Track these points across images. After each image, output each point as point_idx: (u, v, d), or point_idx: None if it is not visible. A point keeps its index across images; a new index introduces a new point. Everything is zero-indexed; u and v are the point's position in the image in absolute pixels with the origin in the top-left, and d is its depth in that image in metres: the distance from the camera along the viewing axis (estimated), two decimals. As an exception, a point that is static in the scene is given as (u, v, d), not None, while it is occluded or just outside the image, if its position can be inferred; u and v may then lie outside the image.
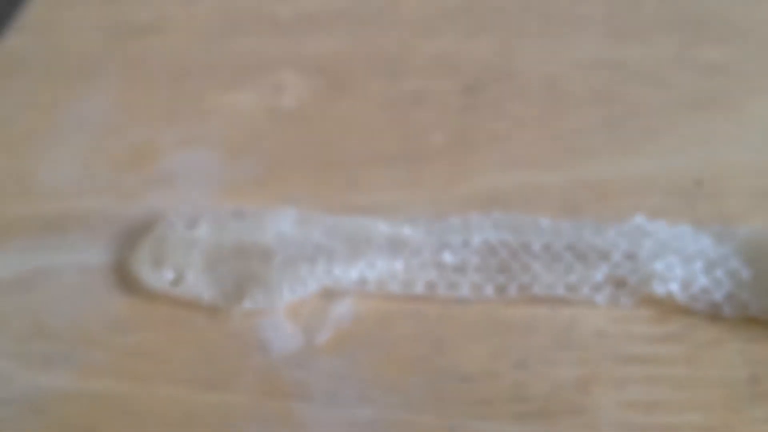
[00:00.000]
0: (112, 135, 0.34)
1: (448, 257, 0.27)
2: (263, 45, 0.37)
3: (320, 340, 0.27)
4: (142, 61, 0.37)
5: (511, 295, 0.27)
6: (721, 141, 0.31)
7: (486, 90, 0.34)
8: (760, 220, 0.28)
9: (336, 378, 0.26)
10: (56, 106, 0.35)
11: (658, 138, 0.32)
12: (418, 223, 0.28)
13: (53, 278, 0.29)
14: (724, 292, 0.26)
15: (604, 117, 0.33)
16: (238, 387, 0.26)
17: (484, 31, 0.37)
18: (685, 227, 0.27)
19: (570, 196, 0.30)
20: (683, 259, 0.26)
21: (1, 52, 0.38)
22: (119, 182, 0.32)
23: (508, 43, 0.36)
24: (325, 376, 0.26)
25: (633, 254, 0.27)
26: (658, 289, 0.26)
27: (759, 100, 0.32)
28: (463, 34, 0.37)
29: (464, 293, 0.27)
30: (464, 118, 0.33)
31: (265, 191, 0.31)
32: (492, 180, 0.31)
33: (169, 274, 0.28)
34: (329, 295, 0.28)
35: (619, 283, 0.27)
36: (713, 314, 0.26)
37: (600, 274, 0.27)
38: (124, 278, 0.29)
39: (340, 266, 0.27)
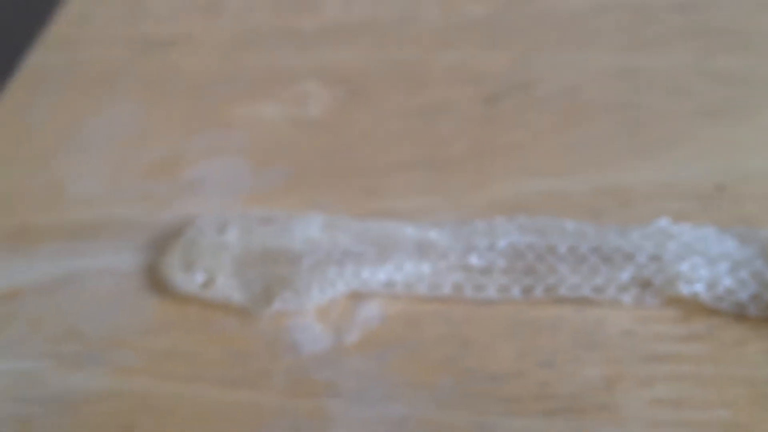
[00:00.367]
0: (139, 145, 0.34)
1: (474, 260, 0.28)
2: (286, 57, 0.38)
3: (349, 340, 0.27)
4: (167, 73, 0.38)
5: (538, 296, 0.27)
6: (740, 148, 0.32)
7: (506, 100, 0.35)
8: (781, 224, 0.28)
9: (365, 377, 0.26)
10: (83, 119, 0.36)
11: (678, 145, 0.32)
12: (444, 227, 0.29)
13: (85, 282, 0.29)
14: (749, 292, 0.26)
15: (624, 125, 0.33)
16: (268, 386, 0.26)
17: (504, 42, 0.37)
18: (709, 229, 0.28)
19: (592, 203, 0.30)
20: (708, 261, 0.27)
21: (29, 68, 0.39)
22: (147, 191, 0.32)
23: (527, 53, 0.36)
24: (354, 375, 0.26)
25: (658, 256, 0.27)
26: (684, 289, 0.26)
27: (777, 108, 0.33)
28: (483, 45, 0.37)
29: (491, 294, 0.27)
30: (485, 127, 0.34)
31: (292, 198, 0.32)
32: (514, 187, 0.31)
33: (199, 278, 0.28)
34: (358, 297, 0.28)
35: (645, 284, 0.27)
36: (738, 314, 0.26)
37: (626, 275, 0.27)
38: (155, 282, 0.29)
39: (369, 269, 0.28)
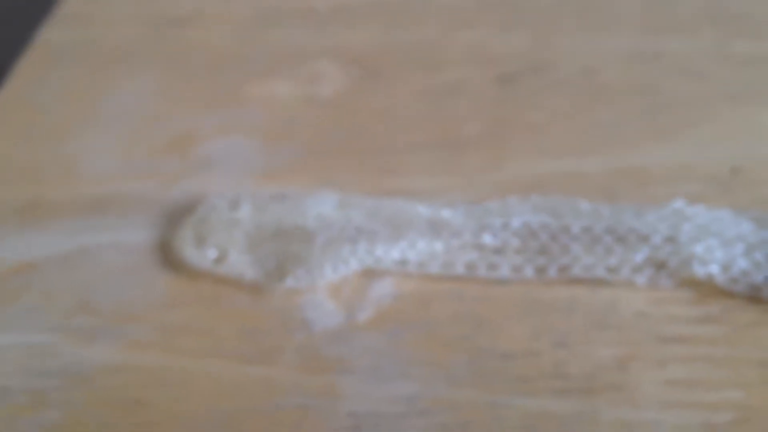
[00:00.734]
0: (151, 123, 0.34)
1: (488, 239, 0.28)
2: (300, 36, 0.38)
3: (361, 318, 0.27)
4: (180, 51, 0.37)
5: (551, 276, 0.27)
6: (757, 131, 0.32)
7: (522, 81, 0.34)
8: (798, 208, 0.28)
9: (377, 354, 0.26)
10: (96, 96, 0.36)
11: (695, 128, 0.32)
12: (458, 206, 0.29)
13: (97, 257, 0.29)
14: (763, 274, 0.26)
15: (640, 107, 0.33)
16: (280, 362, 0.26)
17: (520, 22, 0.37)
18: (724, 212, 0.28)
19: (607, 184, 0.30)
20: (723, 242, 0.27)
21: (42, 44, 0.38)
22: (160, 167, 0.32)
23: (544, 35, 0.36)
24: (366, 351, 0.26)
25: (673, 237, 0.27)
26: (698, 271, 0.26)
27: (796, 92, 0.33)
28: (499, 26, 0.37)
29: (504, 274, 0.27)
30: (500, 108, 0.34)
31: (304, 176, 0.31)
32: (528, 168, 0.31)
33: (212, 253, 0.28)
34: (370, 274, 0.28)
35: (659, 266, 0.27)
36: (753, 296, 0.26)
37: (640, 256, 0.27)
38: (167, 257, 0.29)
39: (382, 247, 0.28)
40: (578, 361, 0.25)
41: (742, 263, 0.26)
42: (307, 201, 0.29)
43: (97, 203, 0.31)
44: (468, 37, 0.37)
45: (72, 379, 0.26)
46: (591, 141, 0.32)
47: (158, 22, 0.39)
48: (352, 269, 0.28)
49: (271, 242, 0.28)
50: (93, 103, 0.35)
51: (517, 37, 0.36)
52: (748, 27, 0.36)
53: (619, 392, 0.25)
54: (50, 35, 0.39)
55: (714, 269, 0.26)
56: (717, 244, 0.27)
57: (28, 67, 0.37)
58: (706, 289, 0.27)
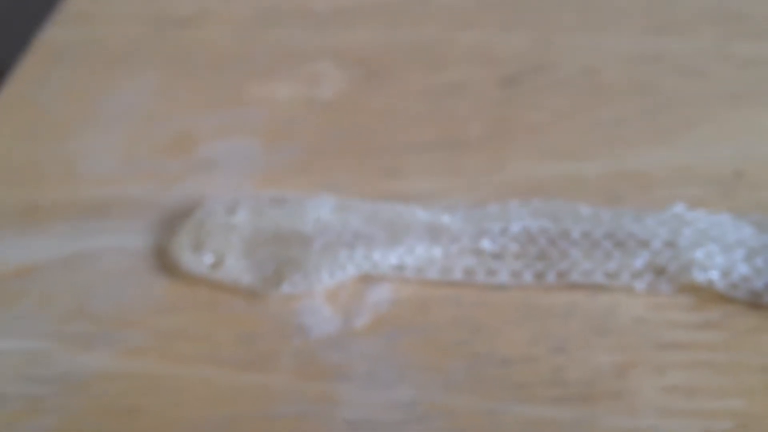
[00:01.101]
0: (152, 123, 0.34)
1: (486, 244, 0.28)
2: (301, 37, 0.37)
3: (359, 323, 0.27)
4: (182, 52, 0.37)
5: (550, 281, 0.27)
6: (760, 134, 0.31)
7: (524, 82, 0.34)
8: (800, 211, 0.28)
9: (375, 360, 0.26)
10: (96, 96, 0.36)
11: (697, 129, 0.32)
12: (457, 211, 0.29)
13: (94, 261, 0.29)
14: (764, 280, 0.26)
15: (642, 108, 0.33)
16: (277, 368, 0.26)
17: (522, 23, 0.37)
18: (725, 216, 0.27)
19: (609, 187, 0.30)
20: (723, 248, 0.26)
21: (44, 43, 0.38)
22: (160, 169, 0.32)
23: (545, 35, 0.36)
24: (363, 358, 0.26)
25: (673, 242, 0.27)
26: (698, 276, 0.26)
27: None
28: (501, 26, 0.37)
29: (503, 280, 0.27)
30: (502, 109, 0.33)
31: (304, 179, 0.31)
32: (530, 169, 0.31)
33: (208, 258, 0.28)
34: (368, 280, 0.28)
35: (659, 271, 0.26)
36: (753, 302, 0.26)
37: (640, 261, 0.26)
38: (165, 262, 0.29)
39: (379, 252, 0.27)
40: (577, 367, 0.25)
41: (742, 269, 0.26)
42: (305, 205, 0.29)
43: (97, 205, 0.31)
44: (469, 37, 0.36)
45: (68, 385, 0.26)
46: (592, 142, 0.31)
47: (160, 22, 0.39)
48: (350, 274, 0.27)
49: (268, 247, 0.28)
50: (94, 103, 0.35)
51: (518, 37, 0.36)
52: (749, 27, 0.35)
53: (618, 399, 0.24)
54: (52, 34, 0.39)
55: (714, 275, 0.26)
56: (717, 249, 0.26)
57: (29, 66, 0.37)
58: (706, 294, 0.26)
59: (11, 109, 0.35)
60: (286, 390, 0.25)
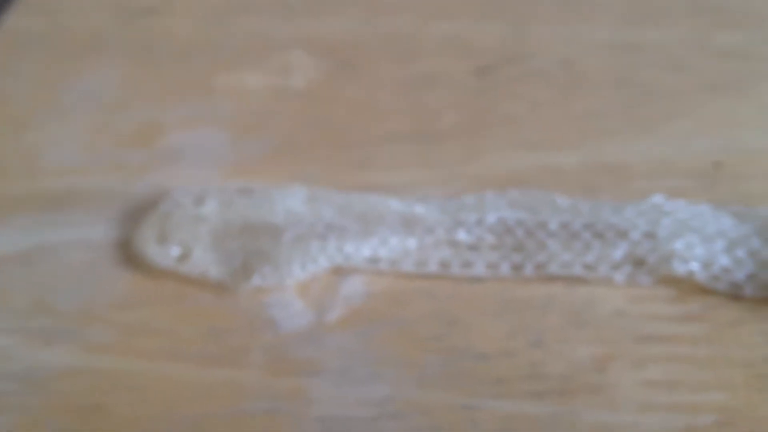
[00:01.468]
0: (117, 113, 0.33)
1: (462, 235, 0.27)
2: (272, 25, 0.36)
3: (331, 317, 0.26)
4: (149, 40, 0.36)
5: (527, 274, 0.26)
6: (739, 124, 0.31)
7: (499, 72, 0.34)
8: (780, 202, 0.28)
9: (347, 355, 0.25)
10: (60, 85, 0.35)
11: (675, 121, 0.31)
12: (431, 202, 0.28)
13: (56, 254, 0.28)
14: (745, 271, 0.25)
15: (621, 99, 0.32)
16: (246, 364, 0.25)
17: (498, 13, 0.36)
18: (704, 207, 0.27)
19: (586, 178, 0.29)
20: (703, 239, 0.26)
21: (6, 31, 0.37)
22: (124, 160, 0.31)
23: (522, 25, 0.35)
24: (336, 353, 0.25)
25: (652, 233, 0.26)
26: (678, 268, 0.25)
27: (777, 84, 0.32)
28: (476, 17, 0.36)
29: (479, 271, 0.26)
30: (477, 99, 0.33)
31: (274, 170, 0.30)
32: (506, 161, 0.30)
33: (175, 251, 0.27)
34: (340, 272, 0.27)
35: (638, 263, 0.26)
36: (734, 294, 0.25)
37: (619, 253, 0.26)
38: (129, 255, 0.28)
39: (352, 244, 0.27)
40: (555, 361, 0.24)
41: (723, 260, 0.25)
42: (275, 196, 0.28)
43: (58, 198, 0.30)
44: (444, 27, 0.36)
45: (28, 383, 0.25)
46: (570, 133, 0.31)
47: (125, 11, 0.38)
48: (322, 267, 0.27)
49: (237, 239, 0.27)
50: (56, 93, 0.34)
51: (493, 27, 0.35)
52: (726, 18, 0.35)
53: (597, 394, 0.24)
54: (14, 23, 0.38)
55: (694, 266, 0.25)
56: (697, 240, 0.26)
57: (-10, 55, 0.36)
58: (686, 286, 0.26)
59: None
60: (256, 386, 0.25)
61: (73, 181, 0.30)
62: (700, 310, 0.25)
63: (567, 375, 0.24)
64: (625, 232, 0.26)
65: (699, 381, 0.24)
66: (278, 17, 0.37)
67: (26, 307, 0.27)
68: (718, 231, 0.26)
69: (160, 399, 0.24)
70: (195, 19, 0.37)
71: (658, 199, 0.27)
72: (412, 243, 0.27)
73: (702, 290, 0.26)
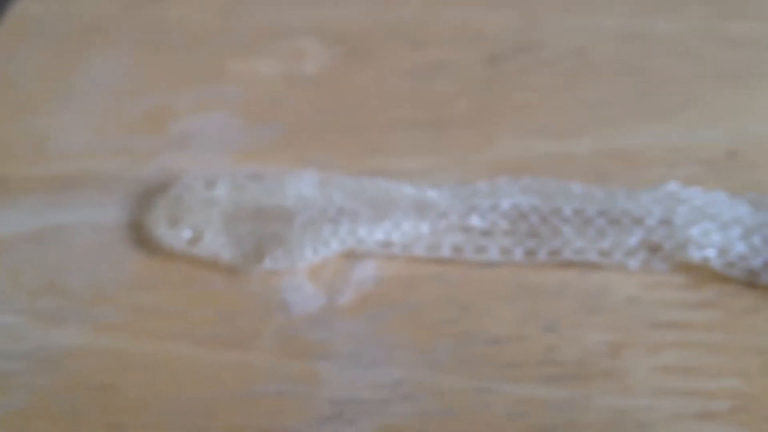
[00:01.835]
0: (127, 99, 0.33)
1: (475, 221, 0.27)
2: (283, 12, 0.36)
3: (342, 301, 0.26)
4: (159, 26, 0.36)
5: (541, 259, 0.26)
6: (752, 113, 0.31)
7: (510, 60, 0.33)
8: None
9: (359, 339, 0.25)
10: (70, 71, 0.34)
11: (688, 109, 0.31)
12: (444, 187, 0.28)
13: (66, 235, 0.28)
14: (761, 259, 0.25)
15: (632, 88, 0.32)
16: (257, 346, 0.25)
17: (510, 1, 0.36)
18: (720, 194, 0.27)
19: (598, 165, 0.29)
20: (720, 226, 0.26)
21: (15, 17, 0.37)
22: (134, 144, 0.31)
23: (532, 14, 0.35)
24: (347, 336, 0.25)
25: (668, 220, 0.26)
26: (694, 255, 0.25)
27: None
28: (488, 5, 0.36)
29: (492, 257, 0.26)
30: (488, 87, 0.32)
31: (285, 155, 0.30)
32: (518, 148, 0.30)
33: (186, 234, 0.27)
34: (352, 257, 0.27)
35: (654, 249, 0.26)
36: (750, 282, 0.25)
37: (634, 239, 0.26)
38: (140, 237, 0.28)
39: (365, 228, 0.26)
40: (569, 346, 0.24)
41: (739, 247, 0.25)
42: (287, 180, 0.28)
43: (69, 180, 0.30)
44: (456, 15, 0.35)
45: (38, 362, 0.25)
46: (582, 121, 0.31)
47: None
48: (334, 251, 0.26)
49: (248, 222, 0.27)
50: (66, 79, 0.34)
51: (504, 16, 0.35)
52: (738, 7, 0.35)
53: (611, 379, 0.24)
54: (24, 8, 0.37)
55: (710, 253, 0.25)
56: (713, 227, 0.26)
57: (1, 40, 0.36)
58: (700, 273, 0.26)
59: (-19, 84, 0.34)
60: (267, 368, 0.24)
61: (84, 165, 0.30)
62: (715, 297, 0.25)
63: (581, 360, 0.24)
64: (640, 218, 0.26)
65: (714, 367, 0.24)
66: (290, 4, 0.36)
67: (36, 287, 0.27)
68: (735, 218, 0.26)
69: (170, 380, 0.24)
70: (206, 5, 0.37)
71: (673, 186, 0.27)
72: (424, 227, 0.27)
73: (717, 277, 0.25)
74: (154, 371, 0.25)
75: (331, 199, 0.27)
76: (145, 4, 0.37)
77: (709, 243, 0.25)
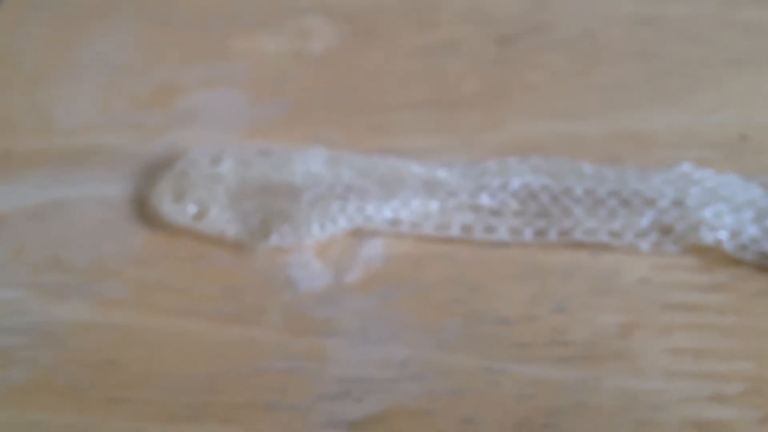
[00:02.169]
0: (132, 74, 0.33)
1: (485, 199, 0.26)
2: (290, -10, 0.36)
3: (350, 279, 0.25)
4: (166, 2, 0.36)
5: (551, 240, 0.26)
6: (761, 98, 0.30)
7: (520, 42, 0.33)
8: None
9: (366, 317, 0.25)
10: (75, 46, 0.34)
11: (699, 93, 0.30)
12: (454, 166, 0.27)
13: (70, 210, 0.28)
14: (774, 242, 0.25)
15: (643, 71, 0.31)
16: (264, 322, 0.25)
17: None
18: (733, 176, 0.26)
19: (609, 147, 0.29)
20: (732, 208, 0.25)
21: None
22: (139, 120, 0.31)
23: (543, -5, 0.35)
24: (355, 314, 0.25)
25: (680, 201, 0.26)
26: (706, 237, 0.25)
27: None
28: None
29: (502, 236, 0.26)
30: (498, 68, 0.32)
31: (292, 133, 0.30)
32: (528, 128, 0.30)
33: (191, 209, 0.27)
34: (360, 235, 0.26)
35: (665, 231, 0.25)
36: (762, 265, 0.25)
37: (645, 220, 0.25)
38: (145, 212, 0.27)
39: (373, 205, 0.26)
40: (579, 327, 0.24)
41: (752, 230, 0.25)
42: (294, 157, 0.28)
43: (73, 155, 0.29)
44: (464, -6, 0.35)
45: (41, 337, 0.25)
46: (592, 103, 0.30)
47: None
48: (341, 228, 0.26)
49: (255, 198, 0.27)
50: (71, 53, 0.34)
51: (515, -3, 0.35)
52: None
53: (621, 360, 0.23)
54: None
55: (723, 235, 0.25)
56: (726, 209, 0.25)
57: (6, 14, 0.35)
58: (712, 256, 0.25)
59: (-15, 59, 0.34)
60: (274, 345, 0.24)
61: (88, 140, 0.30)
62: (727, 280, 0.25)
63: (591, 341, 0.24)
64: (652, 200, 0.26)
65: (726, 350, 0.23)
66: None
67: (40, 261, 0.26)
68: (747, 201, 0.26)
69: (174, 356, 0.24)
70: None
71: (686, 167, 0.26)
72: (433, 206, 0.26)
73: (729, 260, 0.25)
74: (158, 347, 0.24)
75: (339, 177, 0.27)
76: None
77: (721, 225, 0.25)
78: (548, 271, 0.25)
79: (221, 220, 0.26)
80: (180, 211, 0.27)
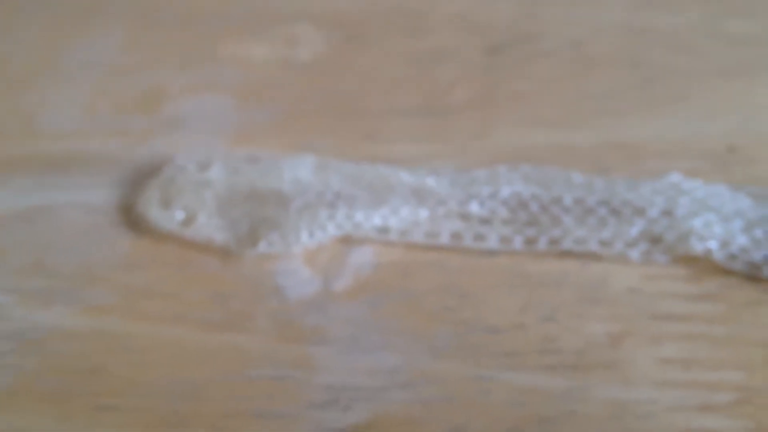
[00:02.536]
0: (118, 78, 0.32)
1: (474, 208, 0.26)
2: (279, -3, 0.36)
3: (339, 286, 0.25)
4: (152, 6, 0.35)
5: (541, 248, 0.26)
6: (751, 109, 0.30)
7: (510, 50, 0.33)
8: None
9: (355, 325, 0.24)
10: (61, 48, 0.34)
11: (687, 103, 0.31)
12: (443, 174, 0.27)
13: (55, 215, 0.27)
14: (763, 252, 0.25)
15: (631, 81, 0.32)
16: (251, 330, 0.24)
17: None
18: (722, 187, 0.26)
19: (598, 156, 0.29)
20: (721, 218, 0.25)
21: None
22: (125, 125, 0.30)
23: (532, 5, 0.35)
24: (343, 322, 0.24)
25: (669, 211, 0.26)
26: (696, 246, 0.25)
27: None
28: (486, -6, 0.35)
29: (491, 245, 0.26)
30: (487, 76, 0.32)
31: (280, 140, 0.30)
32: (518, 137, 0.30)
33: (179, 215, 0.26)
34: (349, 242, 0.26)
35: (655, 240, 0.25)
36: (751, 275, 0.25)
37: (635, 229, 0.25)
38: (131, 218, 0.27)
39: (362, 212, 0.26)
40: (568, 336, 0.24)
41: (741, 240, 0.25)
42: (282, 164, 0.28)
43: (58, 160, 0.29)
44: (454, 3, 0.35)
45: (24, 343, 0.24)
46: (581, 113, 0.30)
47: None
48: (330, 235, 0.26)
49: (243, 205, 0.27)
50: (57, 56, 0.33)
51: (504, 6, 0.35)
52: (738, 5, 0.34)
53: (611, 369, 0.23)
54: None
55: (712, 245, 0.25)
56: (715, 219, 0.25)
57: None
58: (702, 266, 0.25)
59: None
60: (261, 352, 0.24)
61: (73, 145, 0.30)
62: (717, 290, 0.25)
63: (580, 350, 0.24)
64: (642, 209, 0.26)
65: (716, 359, 0.23)
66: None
67: (24, 266, 0.26)
68: (737, 211, 0.26)
69: (161, 362, 0.24)
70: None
71: (675, 177, 0.26)
72: (423, 214, 0.26)
73: (718, 270, 0.25)
74: (144, 353, 0.24)
75: (328, 184, 0.27)
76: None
77: (710, 235, 0.25)
78: (538, 279, 0.25)
79: (209, 227, 0.26)
80: (167, 218, 0.26)
